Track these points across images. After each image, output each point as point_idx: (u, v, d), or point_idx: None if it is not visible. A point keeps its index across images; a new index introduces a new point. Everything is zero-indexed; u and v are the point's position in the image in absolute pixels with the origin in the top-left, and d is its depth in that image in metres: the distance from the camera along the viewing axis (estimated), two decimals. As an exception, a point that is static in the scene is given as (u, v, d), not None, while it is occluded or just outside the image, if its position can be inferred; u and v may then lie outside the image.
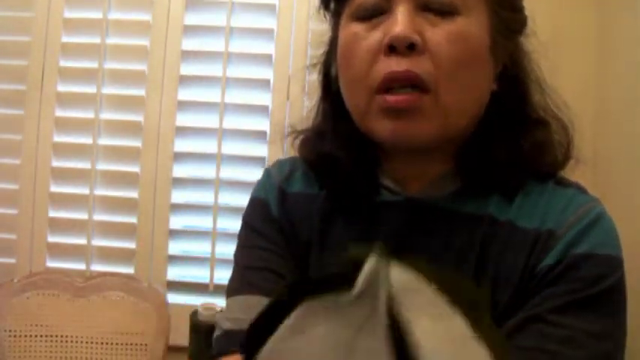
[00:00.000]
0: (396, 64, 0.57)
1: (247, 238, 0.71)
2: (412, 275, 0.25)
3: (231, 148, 1.65)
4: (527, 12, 0.65)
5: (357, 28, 0.61)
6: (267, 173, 0.74)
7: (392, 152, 0.64)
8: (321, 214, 0.68)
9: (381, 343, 0.23)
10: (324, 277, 0.25)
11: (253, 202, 0.73)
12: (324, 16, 0.69)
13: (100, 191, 1.67)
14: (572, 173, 0.66)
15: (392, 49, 0.57)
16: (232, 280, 0.70)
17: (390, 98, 0.57)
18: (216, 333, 0.67)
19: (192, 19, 1.67)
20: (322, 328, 0.24)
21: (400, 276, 0.24)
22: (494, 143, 0.63)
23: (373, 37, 0.59)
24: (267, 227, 0.69)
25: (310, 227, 0.68)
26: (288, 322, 0.24)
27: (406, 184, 0.65)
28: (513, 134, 0.63)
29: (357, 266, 0.24)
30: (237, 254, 0.72)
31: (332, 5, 0.68)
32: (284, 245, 0.68)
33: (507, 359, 0.26)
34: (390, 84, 0.57)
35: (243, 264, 0.70)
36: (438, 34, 0.57)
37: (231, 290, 0.69)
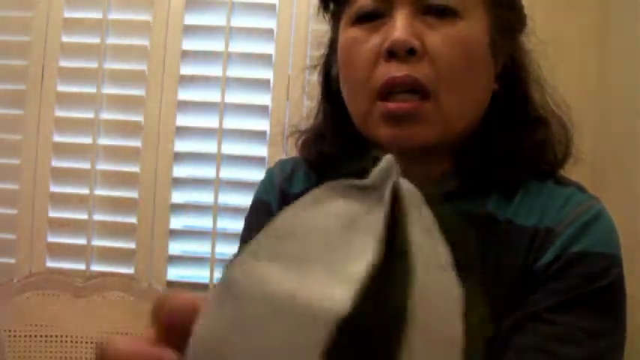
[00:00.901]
0: (396, 69, 0.57)
1: (249, 239, 0.71)
2: (416, 190, 0.28)
3: (231, 148, 1.65)
4: (527, 11, 0.65)
5: (357, 32, 0.61)
6: (269, 174, 0.74)
7: (392, 153, 0.64)
8: None
9: (379, 224, 0.25)
10: (345, 168, 0.28)
11: (255, 203, 0.73)
12: (324, 17, 0.70)
13: (100, 191, 1.67)
14: (572, 172, 0.66)
15: (392, 54, 0.57)
16: None
17: (391, 105, 0.57)
18: None
19: (192, 19, 1.67)
20: (340, 202, 0.26)
21: (406, 184, 0.27)
22: (495, 142, 0.63)
23: (373, 41, 0.59)
24: None
25: None
26: (308, 196, 0.27)
27: None
28: (513, 133, 0.63)
29: (375, 161, 0.27)
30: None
31: (331, 7, 0.67)
32: None
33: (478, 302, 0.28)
34: (391, 89, 0.57)
35: None
36: (437, 38, 0.57)
37: None
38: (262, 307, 0.24)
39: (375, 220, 0.26)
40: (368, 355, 0.23)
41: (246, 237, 0.72)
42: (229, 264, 0.26)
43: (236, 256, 0.27)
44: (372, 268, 0.24)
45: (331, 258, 0.25)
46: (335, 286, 0.24)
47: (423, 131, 0.58)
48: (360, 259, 0.24)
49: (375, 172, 0.26)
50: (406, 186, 0.27)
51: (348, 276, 0.24)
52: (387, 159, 0.27)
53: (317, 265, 0.25)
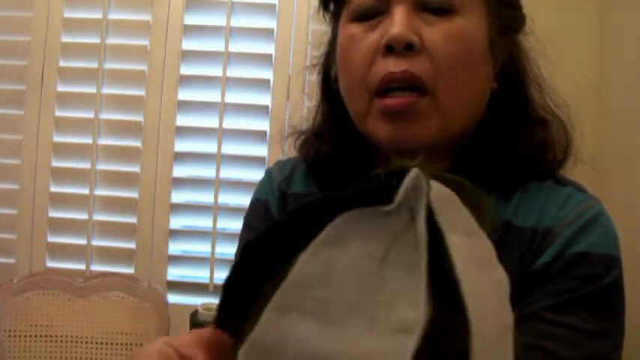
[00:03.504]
0: (393, 65, 0.57)
1: (248, 238, 0.71)
2: (449, 191, 0.25)
3: (231, 148, 1.65)
4: (526, 10, 0.65)
5: (356, 29, 0.61)
6: (268, 174, 0.74)
7: (391, 152, 0.64)
8: None
9: (414, 254, 0.23)
10: (364, 189, 0.25)
11: (254, 203, 0.73)
12: (324, 17, 0.70)
13: (100, 191, 1.67)
14: (572, 172, 0.66)
15: (390, 49, 0.57)
16: None
17: (388, 101, 0.57)
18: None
19: (192, 19, 1.67)
20: (357, 238, 0.24)
21: (439, 190, 0.25)
22: (493, 142, 0.62)
23: (371, 38, 0.59)
24: None
25: None
26: (324, 234, 0.24)
27: None
28: (512, 133, 0.63)
29: (400, 177, 0.24)
30: (237, 254, 0.72)
31: (331, 6, 0.68)
32: None
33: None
34: (389, 85, 0.57)
35: None
36: (435, 33, 0.57)
37: None
38: None
39: (406, 250, 0.23)
40: None
41: (245, 236, 0.72)
42: (254, 323, 0.23)
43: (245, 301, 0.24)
44: (428, 318, 0.21)
45: (367, 303, 0.22)
46: (380, 339, 0.21)
47: (421, 128, 0.58)
48: (401, 302, 0.22)
49: (401, 192, 0.24)
50: (437, 191, 0.24)
51: (395, 325, 0.22)
52: (415, 175, 0.24)
53: (354, 313, 0.22)
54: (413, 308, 0.22)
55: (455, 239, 0.24)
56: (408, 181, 0.24)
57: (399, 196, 0.24)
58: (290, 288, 0.23)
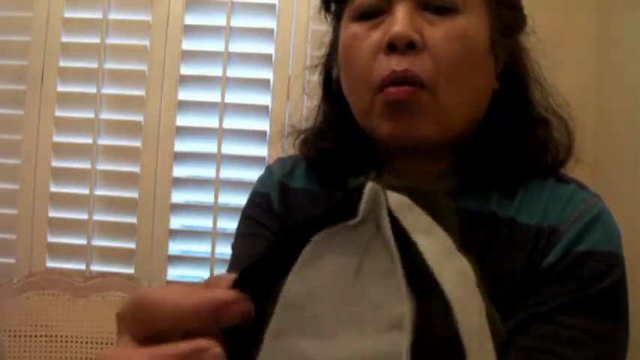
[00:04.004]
0: (396, 63, 0.57)
1: (247, 228, 0.71)
2: (403, 197, 0.28)
3: (231, 148, 1.65)
4: (526, 10, 0.65)
5: (358, 28, 0.61)
6: (269, 169, 0.74)
7: (393, 151, 0.64)
8: None
9: (387, 258, 0.25)
10: (327, 211, 0.27)
11: (254, 196, 0.73)
12: (325, 18, 0.70)
13: (99, 191, 1.67)
14: (573, 172, 0.66)
15: (392, 47, 0.57)
16: (229, 269, 0.70)
17: (393, 89, 0.57)
18: None
19: (192, 19, 1.67)
20: (330, 255, 0.26)
21: (395, 198, 0.27)
22: (495, 141, 0.63)
23: (373, 36, 0.60)
24: (268, 219, 0.69)
25: None
26: (301, 257, 0.26)
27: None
28: (513, 133, 0.63)
29: (359, 193, 0.27)
30: (235, 245, 0.71)
31: (332, 7, 0.68)
32: None
33: (479, 276, 0.29)
34: (391, 83, 0.57)
35: (242, 253, 0.69)
36: (437, 32, 0.58)
37: None
38: None
39: (378, 257, 0.25)
40: None
41: (243, 230, 0.72)
42: (256, 349, 0.26)
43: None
44: (413, 312, 0.24)
45: (351, 313, 0.25)
46: (372, 338, 0.24)
47: (421, 122, 0.58)
48: (386, 304, 0.24)
49: (362, 205, 0.26)
50: (393, 198, 0.27)
51: (386, 323, 0.24)
52: (371, 188, 0.26)
53: (342, 324, 0.24)
54: (399, 305, 0.24)
55: (419, 237, 0.26)
56: (366, 194, 0.26)
57: (362, 209, 0.26)
58: (282, 311, 0.26)
